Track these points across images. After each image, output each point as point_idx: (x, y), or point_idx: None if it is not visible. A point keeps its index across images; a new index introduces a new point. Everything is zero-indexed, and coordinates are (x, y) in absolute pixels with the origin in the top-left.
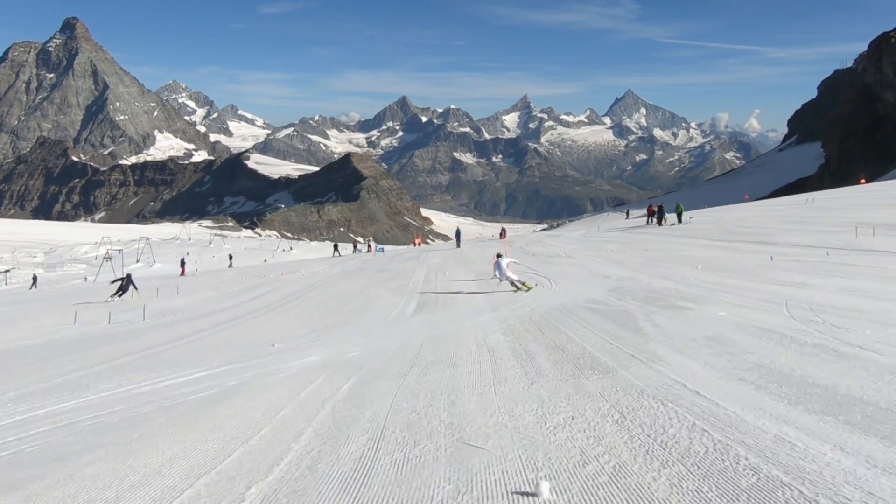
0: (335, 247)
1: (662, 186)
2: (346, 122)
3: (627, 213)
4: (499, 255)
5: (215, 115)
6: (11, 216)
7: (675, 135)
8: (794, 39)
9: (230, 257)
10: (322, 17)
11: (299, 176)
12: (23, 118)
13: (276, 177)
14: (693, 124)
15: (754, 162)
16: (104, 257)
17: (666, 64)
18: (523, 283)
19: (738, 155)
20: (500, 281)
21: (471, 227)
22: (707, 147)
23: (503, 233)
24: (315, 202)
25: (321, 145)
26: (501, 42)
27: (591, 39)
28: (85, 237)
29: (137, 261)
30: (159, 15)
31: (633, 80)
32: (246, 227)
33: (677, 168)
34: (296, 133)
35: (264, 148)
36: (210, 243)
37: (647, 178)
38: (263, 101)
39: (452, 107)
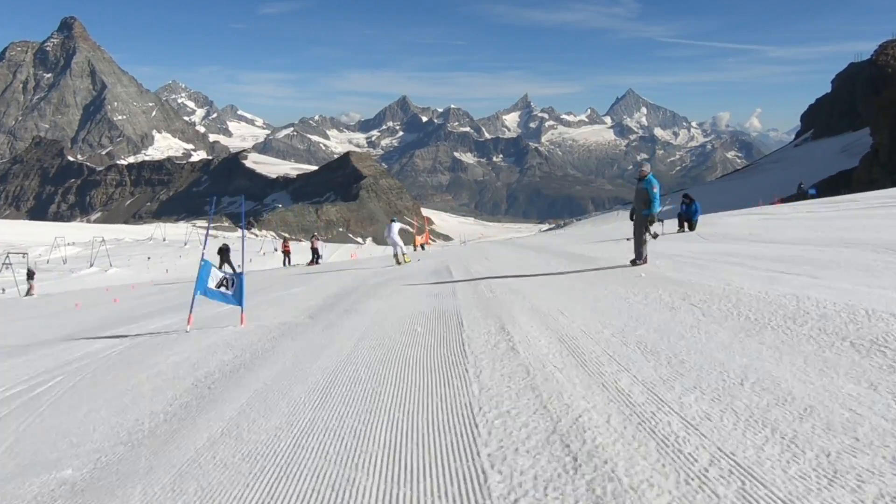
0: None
1: (664, 186)
2: (346, 122)
3: (800, 187)
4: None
5: (215, 115)
6: (7, 217)
7: (675, 134)
8: (795, 38)
9: (29, 275)
10: (321, 17)
11: (297, 175)
12: (20, 118)
13: (275, 176)
14: (694, 123)
15: (769, 158)
16: (3, 263)
17: (666, 63)
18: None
19: (740, 154)
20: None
21: (472, 226)
22: (708, 146)
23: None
24: (313, 202)
25: (321, 145)
26: (501, 41)
27: (592, 39)
28: (46, 239)
29: (91, 265)
30: (158, 15)
31: (634, 80)
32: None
33: (679, 167)
34: (295, 133)
35: (264, 148)
36: (185, 244)
37: None
38: (263, 101)
39: (453, 106)
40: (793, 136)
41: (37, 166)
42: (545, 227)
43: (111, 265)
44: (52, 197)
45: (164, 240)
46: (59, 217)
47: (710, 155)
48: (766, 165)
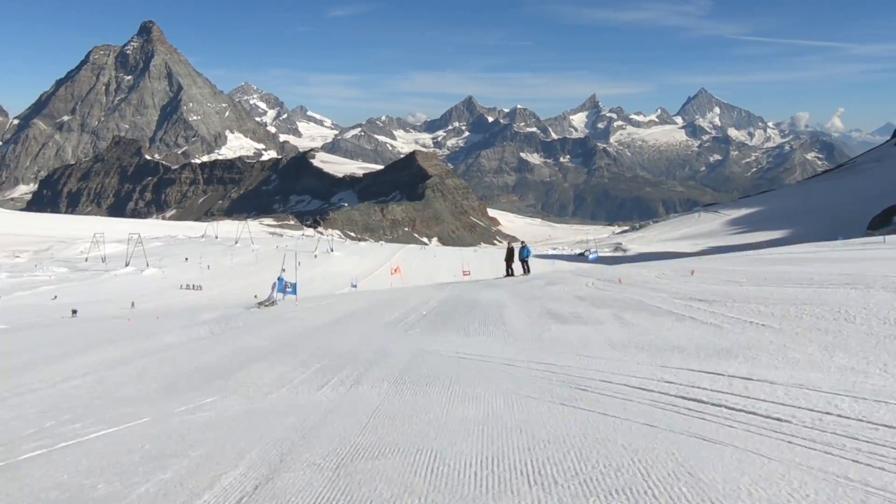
0: None
1: (738, 188)
2: (413, 122)
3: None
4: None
5: (285, 115)
6: (88, 213)
7: (751, 135)
8: (880, 35)
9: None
10: (387, 19)
11: (364, 174)
12: (102, 119)
13: (341, 175)
14: (770, 124)
15: (866, 157)
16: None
17: (741, 62)
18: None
19: (820, 156)
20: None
21: (539, 228)
22: (786, 147)
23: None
24: (379, 201)
25: (388, 145)
26: (568, 41)
27: (661, 37)
28: (89, 234)
29: (127, 264)
30: (231, 18)
31: (706, 79)
32: (308, 226)
33: (754, 169)
34: (363, 133)
35: (332, 148)
36: (236, 242)
37: (722, 179)
38: (331, 102)
39: (519, 107)
40: (877, 137)
41: (116, 165)
42: (618, 229)
43: (147, 265)
44: (130, 194)
45: (217, 237)
46: (136, 214)
47: (789, 156)
48: (864, 165)
